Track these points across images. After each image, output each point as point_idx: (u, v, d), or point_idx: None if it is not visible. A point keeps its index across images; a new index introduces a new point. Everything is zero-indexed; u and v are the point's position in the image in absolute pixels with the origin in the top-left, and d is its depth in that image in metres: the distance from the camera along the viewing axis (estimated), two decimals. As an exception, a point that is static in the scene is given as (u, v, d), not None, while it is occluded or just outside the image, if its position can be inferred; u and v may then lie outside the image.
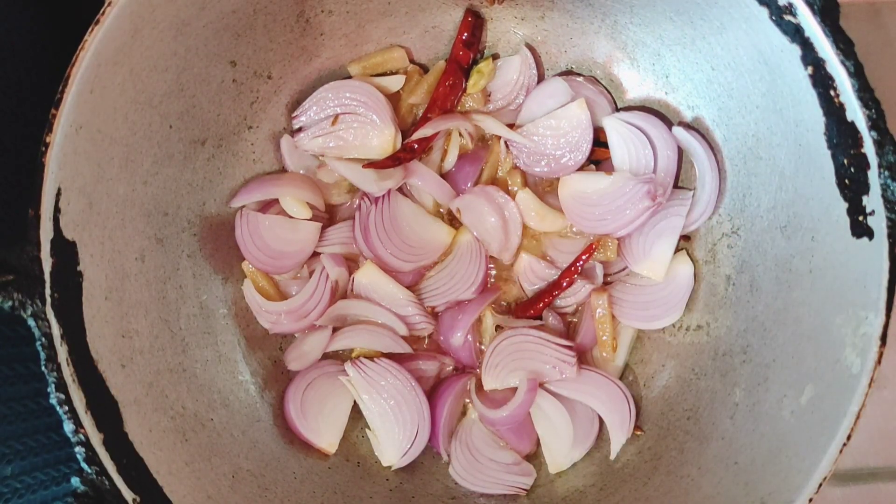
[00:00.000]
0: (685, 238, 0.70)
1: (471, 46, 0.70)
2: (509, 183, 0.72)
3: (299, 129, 0.72)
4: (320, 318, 0.70)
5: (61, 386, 0.50)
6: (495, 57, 0.72)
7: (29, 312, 0.50)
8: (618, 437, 0.68)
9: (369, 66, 0.72)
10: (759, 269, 0.63)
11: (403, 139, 0.71)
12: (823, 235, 0.55)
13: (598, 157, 0.72)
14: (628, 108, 0.72)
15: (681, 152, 0.69)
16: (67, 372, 0.50)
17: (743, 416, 0.60)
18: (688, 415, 0.65)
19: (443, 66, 0.72)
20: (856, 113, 0.50)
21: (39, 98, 0.60)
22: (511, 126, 0.71)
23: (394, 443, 0.68)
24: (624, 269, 0.71)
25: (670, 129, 0.68)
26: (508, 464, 0.69)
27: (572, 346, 0.68)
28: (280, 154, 0.72)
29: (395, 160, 0.69)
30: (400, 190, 0.71)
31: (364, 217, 0.70)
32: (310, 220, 0.70)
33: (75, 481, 0.50)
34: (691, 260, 0.70)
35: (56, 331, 0.50)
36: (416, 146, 0.69)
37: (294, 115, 0.71)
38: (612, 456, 0.68)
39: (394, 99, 0.72)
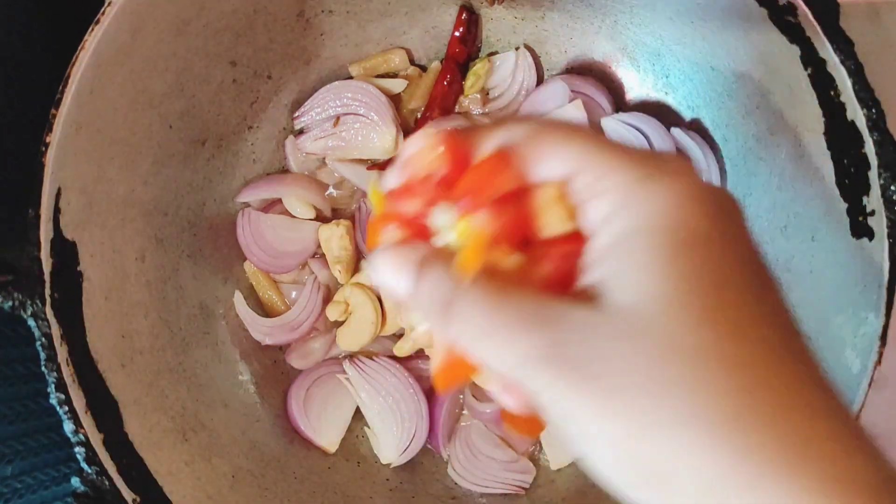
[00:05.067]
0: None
1: (466, 43, 0.70)
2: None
3: (301, 131, 0.72)
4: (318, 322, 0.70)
5: (61, 386, 0.50)
6: (492, 54, 0.72)
7: (29, 312, 0.50)
8: None
9: (370, 66, 0.72)
10: (759, 269, 0.62)
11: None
12: (823, 235, 0.55)
13: (598, 157, 0.72)
14: (628, 109, 0.72)
15: (680, 153, 0.69)
16: (67, 372, 0.50)
17: (743, 416, 0.59)
18: (688, 415, 0.65)
19: (439, 67, 0.72)
20: (856, 113, 0.50)
21: (39, 98, 0.60)
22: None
23: (392, 440, 0.68)
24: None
25: (669, 130, 0.68)
26: (507, 461, 0.69)
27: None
28: (283, 154, 0.72)
29: (398, 161, 0.69)
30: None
31: (364, 218, 0.70)
32: (313, 219, 0.71)
33: (75, 481, 0.50)
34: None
35: (56, 331, 0.50)
36: (417, 146, 0.69)
37: (295, 116, 0.71)
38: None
39: (395, 100, 0.72)
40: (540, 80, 0.73)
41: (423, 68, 0.73)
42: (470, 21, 0.70)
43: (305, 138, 0.71)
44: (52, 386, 0.50)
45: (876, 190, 0.50)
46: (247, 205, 0.71)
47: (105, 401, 0.53)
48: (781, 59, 0.54)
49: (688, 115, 0.68)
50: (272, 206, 0.71)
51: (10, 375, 0.60)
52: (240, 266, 0.71)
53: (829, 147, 0.52)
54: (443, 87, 0.70)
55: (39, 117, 0.51)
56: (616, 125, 0.69)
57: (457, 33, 0.70)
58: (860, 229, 0.51)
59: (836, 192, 0.52)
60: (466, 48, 0.71)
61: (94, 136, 0.54)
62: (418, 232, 0.32)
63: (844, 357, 0.51)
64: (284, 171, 0.73)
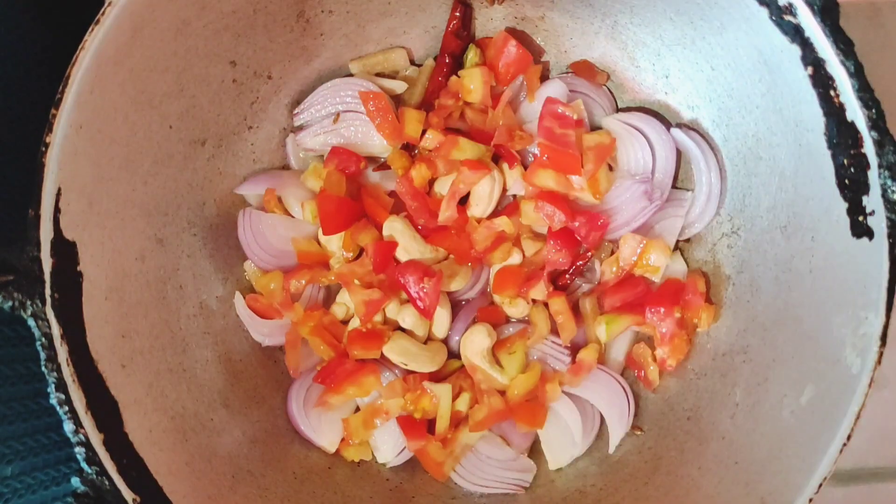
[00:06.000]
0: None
1: (461, 36, 0.70)
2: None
3: (300, 127, 0.72)
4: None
5: (61, 386, 0.50)
6: (479, 43, 0.72)
7: (29, 312, 0.50)
8: (616, 431, 0.67)
9: (370, 64, 0.72)
10: (759, 269, 0.63)
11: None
12: (823, 235, 0.55)
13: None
14: (628, 109, 0.72)
15: (680, 153, 0.69)
16: (67, 372, 0.50)
17: (743, 416, 0.60)
18: (688, 415, 0.65)
19: (432, 64, 0.72)
20: (856, 113, 0.50)
21: (39, 98, 0.61)
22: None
23: (390, 440, 0.68)
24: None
25: (669, 130, 0.68)
26: (507, 460, 0.69)
27: (568, 345, 0.68)
28: (283, 154, 0.72)
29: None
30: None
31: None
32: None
33: (75, 481, 0.50)
34: (692, 260, 0.70)
35: (56, 331, 0.50)
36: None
37: (296, 112, 0.71)
38: (611, 450, 0.68)
39: (397, 100, 0.72)
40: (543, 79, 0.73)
41: (424, 68, 0.74)
42: (464, 15, 0.70)
43: (305, 134, 0.71)
44: (52, 386, 0.50)
45: (876, 190, 0.50)
46: (248, 204, 0.71)
47: (105, 401, 0.53)
48: (781, 59, 0.54)
49: (688, 115, 0.68)
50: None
51: (10, 375, 0.60)
52: (240, 266, 0.71)
53: (829, 147, 0.52)
54: (440, 83, 0.70)
55: (39, 117, 0.51)
56: (616, 125, 0.69)
57: (451, 26, 0.70)
58: (860, 229, 0.51)
59: (836, 192, 0.52)
60: (462, 41, 0.71)
61: (94, 136, 0.54)
62: None
63: (844, 357, 0.51)
64: (285, 169, 0.73)
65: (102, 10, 0.51)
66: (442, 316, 0.68)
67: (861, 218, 0.51)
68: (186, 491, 0.56)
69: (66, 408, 0.50)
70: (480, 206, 0.68)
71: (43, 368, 0.50)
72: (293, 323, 0.69)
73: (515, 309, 0.69)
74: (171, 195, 0.63)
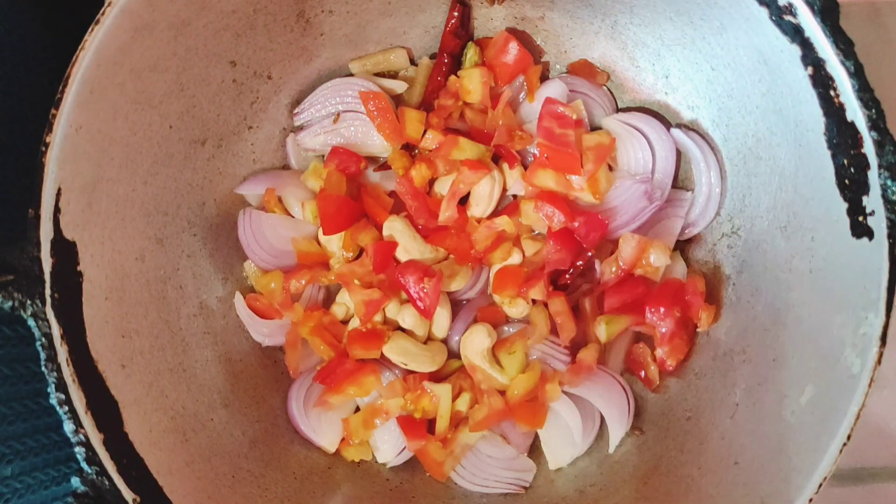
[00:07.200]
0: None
1: (459, 36, 0.70)
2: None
3: (301, 127, 0.72)
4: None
5: (61, 386, 0.50)
6: (479, 43, 0.72)
7: (29, 312, 0.50)
8: (616, 431, 0.67)
9: (370, 64, 0.72)
10: (759, 269, 0.63)
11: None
12: (823, 235, 0.55)
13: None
14: (628, 109, 0.72)
15: (680, 153, 0.69)
16: (67, 372, 0.50)
17: (743, 416, 0.60)
18: (688, 415, 0.65)
19: (428, 62, 0.72)
20: (856, 113, 0.50)
21: (39, 98, 0.61)
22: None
23: (390, 440, 0.68)
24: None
25: (669, 130, 0.68)
26: (506, 458, 0.69)
27: (568, 345, 0.68)
28: (283, 154, 0.72)
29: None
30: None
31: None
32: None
33: (75, 481, 0.50)
34: (692, 260, 0.70)
35: (56, 331, 0.50)
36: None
37: (296, 112, 0.71)
38: (611, 450, 0.68)
39: (397, 100, 0.72)
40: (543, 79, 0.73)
41: (424, 69, 0.73)
42: (462, 15, 0.70)
43: (305, 134, 0.71)
44: (52, 386, 0.50)
45: (876, 190, 0.50)
46: (248, 204, 0.71)
47: (105, 401, 0.53)
48: (781, 59, 0.54)
49: (688, 115, 0.68)
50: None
51: (10, 375, 0.60)
52: (240, 266, 0.71)
53: (829, 147, 0.52)
54: (439, 83, 0.70)
55: (39, 117, 0.51)
56: (616, 125, 0.69)
57: (449, 26, 0.70)
58: (860, 229, 0.51)
59: (836, 192, 0.52)
60: (460, 41, 0.71)
61: (94, 136, 0.54)
62: None
63: (844, 357, 0.51)
64: (285, 169, 0.73)
65: (102, 10, 0.51)
66: (442, 316, 0.68)
67: (861, 218, 0.51)
68: (186, 491, 0.56)
69: (66, 408, 0.50)
70: (480, 206, 0.68)
71: (43, 368, 0.50)
72: (293, 323, 0.69)
73: (515, 309, 0.69)
74: (171, 195, 0.63)
